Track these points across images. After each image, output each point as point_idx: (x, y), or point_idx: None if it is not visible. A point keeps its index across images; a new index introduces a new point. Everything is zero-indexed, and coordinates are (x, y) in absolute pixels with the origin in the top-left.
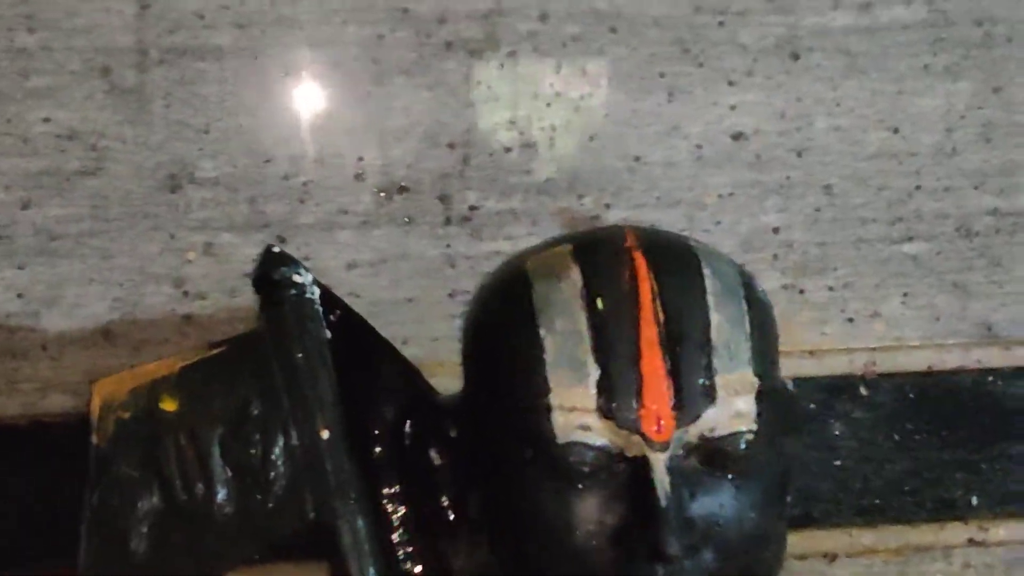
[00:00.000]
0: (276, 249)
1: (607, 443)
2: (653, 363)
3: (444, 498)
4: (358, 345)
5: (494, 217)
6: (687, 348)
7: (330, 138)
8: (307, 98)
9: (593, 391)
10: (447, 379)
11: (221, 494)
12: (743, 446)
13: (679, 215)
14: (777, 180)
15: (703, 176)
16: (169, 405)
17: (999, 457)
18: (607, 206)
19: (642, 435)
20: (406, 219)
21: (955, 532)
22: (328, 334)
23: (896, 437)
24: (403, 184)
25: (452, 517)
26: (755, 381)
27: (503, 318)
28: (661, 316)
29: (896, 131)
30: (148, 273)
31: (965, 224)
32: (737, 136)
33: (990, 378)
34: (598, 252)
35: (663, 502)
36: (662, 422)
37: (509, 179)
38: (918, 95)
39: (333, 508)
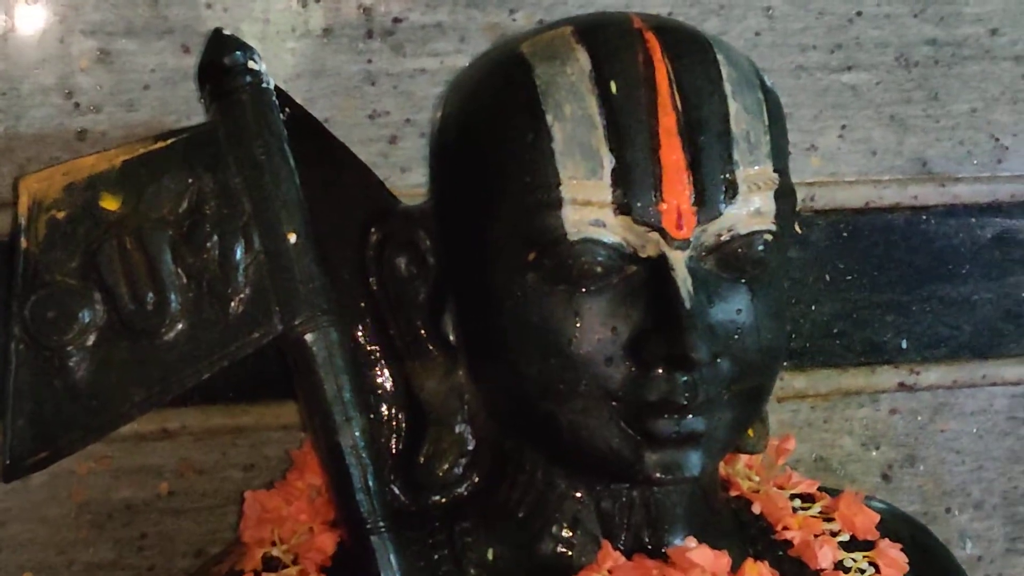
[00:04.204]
0: (227, 32)
1: (621, 241)
2: (673, 154)
3: (414, 314)
4: (314, 146)
5: (419, 31)
6: (707, 138)
7: None
8: None
9: (608, 183)
10: None
11: (174, 304)
12: (761, 248)
13: None
14: (717, 0)
15: None
16: (111, 204)
17: (929, 299)
18: (540, 22)
19: (661, 231)
20: (323, 30)
21: (886, 376)
22: (284, 131)
23: (827, 278)
24: None
25: (423, 334)
26: (775, 177)
27: (499, 104)
28: (679, 102)
29: None
30: (34, 83)
31: (905, 54)
32: None
33: (923, 216)
34: (605, 33)
35: (687, 303)
36: (683, 218)
37: None
38: None
39: (304, 319)
